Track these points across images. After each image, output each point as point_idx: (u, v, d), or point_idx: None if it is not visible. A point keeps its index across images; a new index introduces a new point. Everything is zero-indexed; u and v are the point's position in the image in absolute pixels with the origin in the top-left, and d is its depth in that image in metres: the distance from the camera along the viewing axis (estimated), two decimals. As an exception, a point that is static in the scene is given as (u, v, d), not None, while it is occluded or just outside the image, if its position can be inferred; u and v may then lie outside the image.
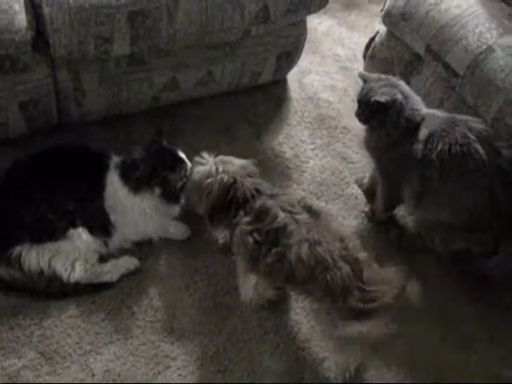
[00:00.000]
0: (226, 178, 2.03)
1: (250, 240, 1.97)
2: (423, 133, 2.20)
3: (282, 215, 1.95)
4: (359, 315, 1.83)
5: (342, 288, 1.84)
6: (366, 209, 2.55)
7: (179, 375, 2.04)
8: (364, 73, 2.33)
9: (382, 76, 2.29)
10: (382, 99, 2.14)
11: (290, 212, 1.97)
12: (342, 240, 1.92)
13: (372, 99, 2.16)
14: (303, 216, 1.96)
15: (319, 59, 3.14)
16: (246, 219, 2.00)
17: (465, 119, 2.22)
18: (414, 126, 2.21)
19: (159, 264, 2.27)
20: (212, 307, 2.20)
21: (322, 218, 1.99)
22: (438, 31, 2.48)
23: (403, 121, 2.19)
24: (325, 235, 1.91)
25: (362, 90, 2.26)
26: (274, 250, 1.94)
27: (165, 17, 2.21)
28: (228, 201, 2.04)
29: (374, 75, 2.30)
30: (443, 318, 2.29)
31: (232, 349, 2.11)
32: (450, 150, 2.14)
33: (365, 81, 2.27)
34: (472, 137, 2.14)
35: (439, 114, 2.28)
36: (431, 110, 2.29)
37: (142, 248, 2.29)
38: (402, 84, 2.25)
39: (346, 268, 1.85)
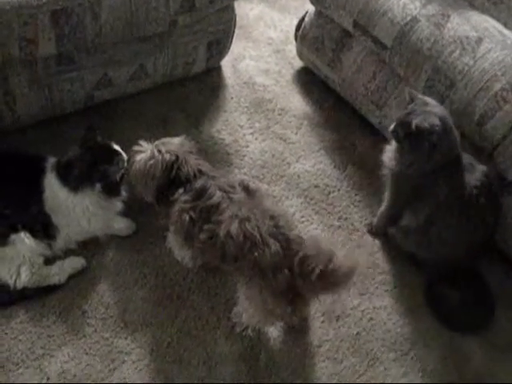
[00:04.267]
0: (168, 156, 2.04)
1: (187, 217, 1.99)
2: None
3: (218, 194, 1.97)
4: (290, 294, 1.86)
5: (270, 265, 1.85)
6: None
7: (135, 369, 2.04)
8: (413, 91, 2.22)
9: (430, 101, 2.18)
10: (422, 124, 2.06)
11: (227, 192, 1.98)
12: (272, 217, 1.92)
13: (413, 122, 2.07)
14: (239, 195, 1.98)
15: (252, 44, 3.15)
16: (185, 197, 2.01)
17: (481, 169, 2.21)
18: (445, 162, 2.17)
19: (107, 261, 2.27)
20: (163, 299, 2.20)
21: (256, 196, 2.00)
22: (363, 6, 2.52)
23: (438, 155, 2.14)
24: (255, 212, 1.92)
25: (406, 108, 2.18)
26: (206, 227, 1.96)
27: (88, 13, 2.19)
28: (172, 179, 2.05)
29: (423, 97, 2.20)
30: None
31: (186, 338, 2.12)
32: (461, 195, 2.18)
33: (412, 99, 2.18)
34: (483, 188, 2.17)
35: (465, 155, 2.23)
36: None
37: (88, 247, 2.28)
38: (447, 116, 2.15)
39: (276, 245, 1.86)
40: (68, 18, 2.16)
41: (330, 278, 1.79)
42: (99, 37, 2.28)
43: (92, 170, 2.14)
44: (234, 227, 1.90)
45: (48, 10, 2.12)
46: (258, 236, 1.87)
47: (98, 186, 2.17)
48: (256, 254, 1.87)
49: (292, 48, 3.06)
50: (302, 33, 2.88)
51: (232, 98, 2.87)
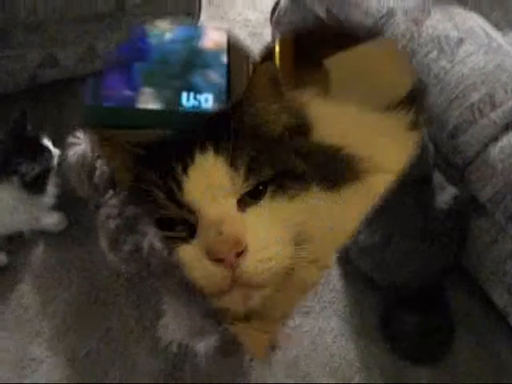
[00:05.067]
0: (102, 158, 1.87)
1: (112, 225, 1.82)
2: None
3: None
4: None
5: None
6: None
7: (47, 379, 1.91)
8: None
9: None
10: None
11: None
12: None
13: None
14: None
15: (227, 25, 2.91)
16: (113, 201, 1.85)
17: (451, 191, 2.00)
18: (414, 179, 1.93)
19: (32, 258, 2.12)
20: (87, 304, 2.05)
21: None
22: (337, -9, 2.27)
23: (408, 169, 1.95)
24: None
25: None
26: (130, 238, 1.79)
27: (18, -12, 2.00)
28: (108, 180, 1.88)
29: None
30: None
31: (106, 348, 1.98)
32: (425, 218, 1.97)
33: None
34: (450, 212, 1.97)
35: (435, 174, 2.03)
36: None
37: (13, 242, 2.12)
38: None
39: None
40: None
41: None
42: (34, 14, 2.08)
43: (7, 162, 1.96)
44: (159, 241, 1.74)
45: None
46: None
47: (16, 180, 1.99)
48: (181, 271, 1.71)
49: (268, 32, 2.80)
50: (276, 17, 2.63)
51: (195, 83, 2.65)
